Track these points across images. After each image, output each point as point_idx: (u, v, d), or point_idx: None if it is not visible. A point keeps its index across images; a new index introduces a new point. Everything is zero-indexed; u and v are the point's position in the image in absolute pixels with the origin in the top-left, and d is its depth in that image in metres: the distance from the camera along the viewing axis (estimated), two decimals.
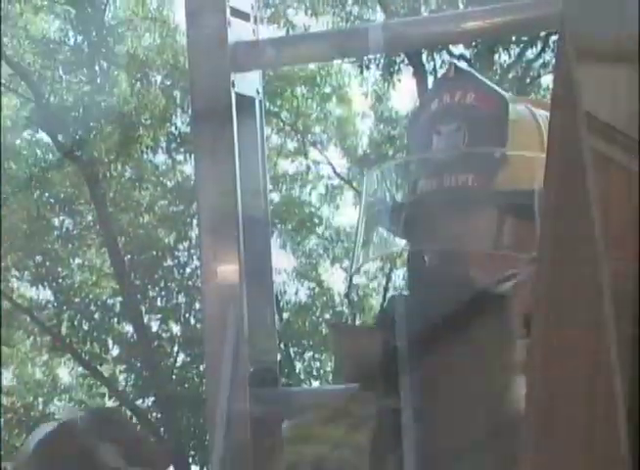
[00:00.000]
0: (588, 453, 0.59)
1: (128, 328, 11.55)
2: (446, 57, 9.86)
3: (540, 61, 9.94)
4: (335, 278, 13.24)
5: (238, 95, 1.11)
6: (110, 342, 11.52)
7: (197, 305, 10.99)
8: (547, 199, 0.64)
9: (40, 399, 12.92)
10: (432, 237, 1.33)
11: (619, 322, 0.60)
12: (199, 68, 1.12)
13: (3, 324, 12.78)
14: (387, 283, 11.83)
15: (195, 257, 11.17)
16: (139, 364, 11.23)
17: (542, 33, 8.95)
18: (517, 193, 1.24)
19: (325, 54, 1.15)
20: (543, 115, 1.35)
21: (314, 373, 11.45)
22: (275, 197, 13.11)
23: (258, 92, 1.15)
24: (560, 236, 0.64)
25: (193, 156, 1.17)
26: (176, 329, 11.45)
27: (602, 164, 0.62)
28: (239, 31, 1.12)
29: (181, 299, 11.36)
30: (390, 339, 1.35)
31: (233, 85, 1.11)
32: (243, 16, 1.12)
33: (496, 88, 1.33)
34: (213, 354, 1.07)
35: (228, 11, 1.09)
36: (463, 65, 1.20)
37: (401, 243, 1.41)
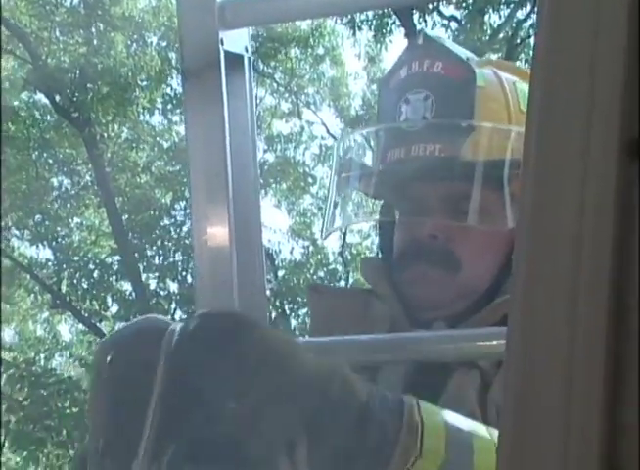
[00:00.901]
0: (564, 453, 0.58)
1: (127, 286, 11.57)
2: (438, 18, 9.79)
3: (530, 21, 9.87)
4: (329, 237, 13.21)
5: (227, 53, 1.08)
6: (109, 299, 11.55)
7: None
8: (525, 176, 0.62)
9: (42, 355, 12.97)
10: (399, 205, 1.33)
11: (595, 316, 0.58)
12: (188, 26, 1.10)
13: (4, 282, 12.79)
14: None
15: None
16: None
17: None
18: (484, 162, 1.24)
19: (313, 11, 1.13)
20: (509, 78, 1.35)
21: (308, 328, 11.49)
22: (270, 157, 13.09)
23: (247, 49, 1.12)
24: (538, 231, 0.62)
25: (184, 113, 1.15)
26: (173, 287, 11.47)
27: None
28: None
29: (178, 257, 11.36)
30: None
31: (222, 43, 1.08)
32: None
33: (464, 57, 1.32)
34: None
35: None
36: (433, 33, 1.19)
37: (375, 214, 1.41)
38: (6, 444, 11.12)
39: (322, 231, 1.38)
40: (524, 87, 1.33)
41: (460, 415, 0.95)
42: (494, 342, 0.99)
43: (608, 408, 0.55)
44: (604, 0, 0.58)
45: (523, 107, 1.31)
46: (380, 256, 1.41)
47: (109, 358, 0.91)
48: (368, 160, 1.34)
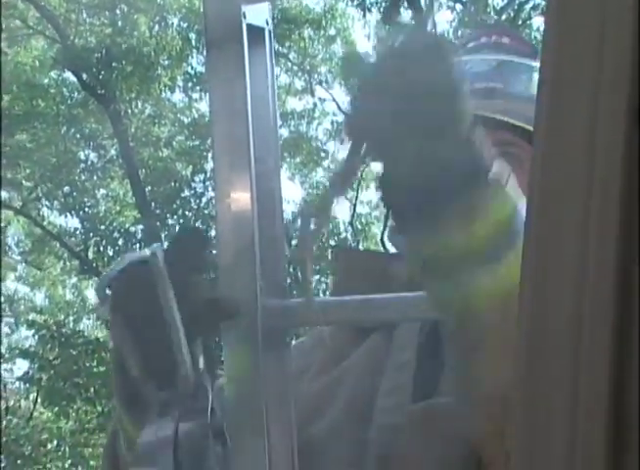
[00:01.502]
0: (570, 453, 0.56)
1: None
2: (443, 0, 9.69)
3: (531, 3, 9.77)
4: (340, 207, 13.19)
5: (249, 26, 1.06)
6: None
7: (212, 233, 10.99)
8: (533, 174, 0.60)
9: (71, 318, 13.03)
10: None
11: (601, 318, 0.56)
12: (211, 0, 1.08)
13: (36, 250, 12.81)
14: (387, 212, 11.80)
15: (210, 188, 11.14)
16: None
17: None
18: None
19: None
20: None
21: (320, 294, 11.50)
22: (284, 132, 13.04)
23: (267, 23, 1.10)
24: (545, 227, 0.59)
25: (207, 88, 1.13)
26: None
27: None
28: None
29: (198, 226, 11.36)
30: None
31: (244, 16, 1.06)
32: None
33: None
34: (227, 272, 1.04)
35: None
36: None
37: None
38: (39, 400, 11.20)
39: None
40: None
41: None
42: None
43: (613, 407, 0.53)
44: (600, 118, 0.56)
45: None
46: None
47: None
48: None
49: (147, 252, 0.97)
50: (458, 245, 0.85)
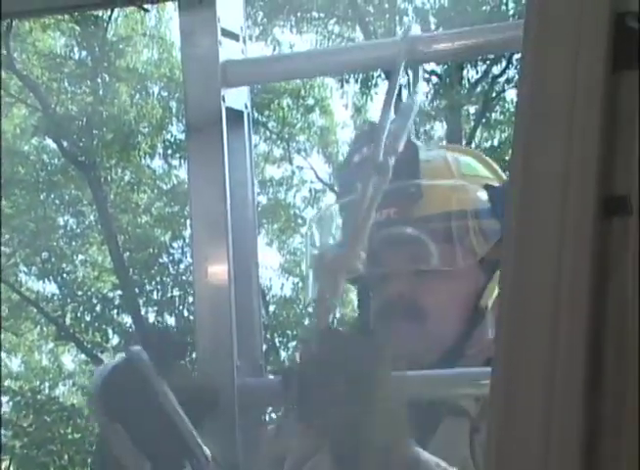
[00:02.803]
0: (545, 443, 0.58)
1: (127, 319, 11.51)
2: (419, 73, 9.84)
3: (505, 77, 9.97)
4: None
5: (228, 109, 1.10)
6: (110, 332, 11.49)
7: (190, 299, 10.97)
8: (511, 198, 0.64)
9: (46, 384, 12.86)
10: (370, 268, 1.35)
11: (575, 319, 0.59)
12: (192, 83, 1.12)
13: (13, 316, 12.72)
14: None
15: (188, 254, 11.14)
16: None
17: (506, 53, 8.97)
18: (433, 217, 1.28)
19: (307, 71, 1.15)
20: (457, 157, 1.39)
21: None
22: (263, 199, 13.10)
23: (247, 106, 1.14)
24: (522, 236, 0.63)
25: (187, 163, 1.17)
26: (171, 320, 11.42)
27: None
28: (229, 50, 1.11)
29: (175, 292, 11.33)
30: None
31: (223, 100, 1.10)
32: (233, 36, 1.12)
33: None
34: (204, 348, 1.06)
35: (219, 32, 1.09)
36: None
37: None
38: (11, 468, 10.99)
39: (308, 297, 1.40)
40: (467, 159, 1.38)
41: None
42: (482, 381, 0.99)
43: (586, 440, 0.55)
44: (580, 77, 0.60)
45: (464, 171, 1.36)
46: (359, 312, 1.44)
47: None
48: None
49: (126, 354, 0.99)
50: None
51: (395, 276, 1.32)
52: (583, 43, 0.63)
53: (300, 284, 12.54)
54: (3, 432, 10.56)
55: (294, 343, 11.47)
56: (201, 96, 1.11)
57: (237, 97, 1.12)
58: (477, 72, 10.21)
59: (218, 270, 1.07)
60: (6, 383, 12.26)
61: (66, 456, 10.12)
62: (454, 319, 1.30)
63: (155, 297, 11.48)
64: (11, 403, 10.80)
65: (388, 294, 1.32)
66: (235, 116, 1.12)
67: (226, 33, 1.10)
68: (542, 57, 0.65)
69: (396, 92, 1.11)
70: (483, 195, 1.31)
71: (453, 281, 1.27)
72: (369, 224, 1.01)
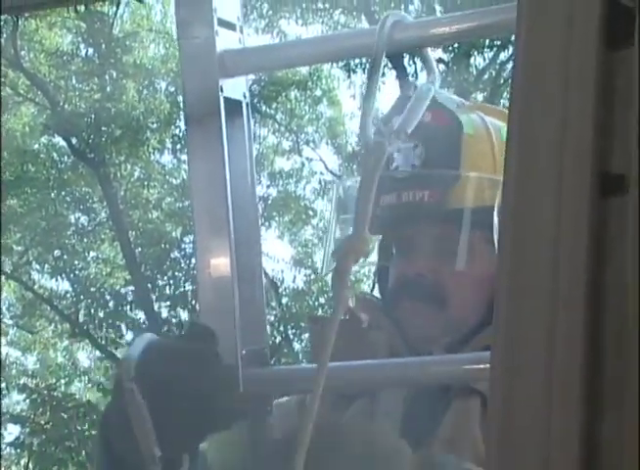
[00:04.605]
0: (545, 446, 0.58)
1: (140, 315, 11.54)
2: (431, 57, 9.81)
3: (512, 63, 9.92)
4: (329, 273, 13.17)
5: (226, 99, 1.10)
6: (123, 328, 11.52)
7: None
8: (505, 198, 0.63)
9: (62, 381, 12.92)
10: (393, 245, 1.34)
11: (572, 312, 0.59)
12: (190, 74, 1.11)
13: (27, 313, 12.76)
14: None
15: None
16: None
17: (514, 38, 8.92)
18: (470, 209, 1.26)
19: (304, 59, 1.14)
20: (495, 124, 1.35)
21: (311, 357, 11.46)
22: (272, 192, 13.10)
23: (245, 96, 1.13)
24: (519, 237, 0.62)
25: (187, 155, 1.16)
26: (184, 315, 11.44)
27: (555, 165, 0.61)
28: (226, 40, 1.11)
29: (188, 287, 11.34)
30: None
31: (222, 90, 1.09)
32: (229, 26, 1.11)
33: (455, 105, 1.34)
34: None
35: (216, 22, 1.08)
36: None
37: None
38: (30, 465, 11.05)
39: (322, 268, 1.39)
40: (504, 126, 1.34)
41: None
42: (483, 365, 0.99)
43: (587, 425, 0.55)
44: (574, 54, 0.59)
45: (503, 138, 1.32)
46: (377, 289, 1.42)
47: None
48: None
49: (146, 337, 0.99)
50: None
51: (418, 257, 1.30)
52: (577, 21, 0.62)
53: (312, 276, 12.54)
54: (20, 429, 10.62)
55: (307, 334, 11.48)
56: (199, 87, 1.10)
57: (235, 87, 1.12)
58: (484, 59, 10.17)
59: (221, 259, 1.07)
60: (22, 381, 12.32)
61: (83, 452, 10.17)
62: (474, 303, 1.28)
63: (167, 292, 11.51)
64: (28, 401, 10.85)
65: (409, 274, 1.31)
66: (233, 105, 1.11)
67: (223, 23, 1.10)
68: (536, 36, 0.64)
69: (381, 77, 1.10)
70: None
71: (474, 265, 1.26)
72: (369, 207, 1.00)
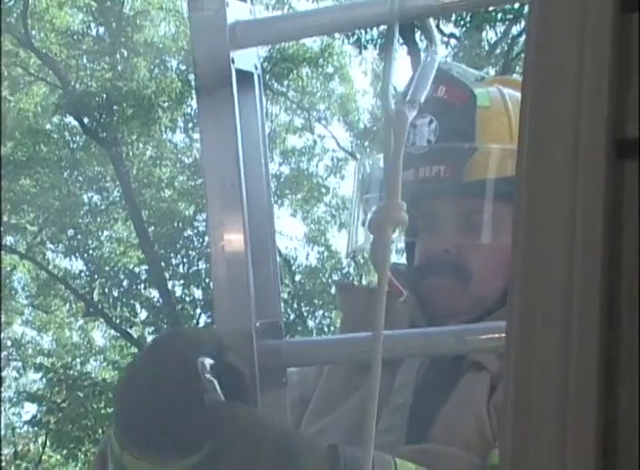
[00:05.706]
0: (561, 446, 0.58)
1: (154, 293, 11.59)
2: (438, 36, 9.76)
3: (524, 36, 9.85)
4: (342, 242, 13.24)
5: (238, 70, 1.09)
6: (138, 306, 11.57)
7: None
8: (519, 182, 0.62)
9: (78, 360, 13.00)
10: (418, 221, 1.33)
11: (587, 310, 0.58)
12: (200, 46, 1.10)
13: (42, 293, 12.82)
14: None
15: None
16: (165, 326, 11.28)
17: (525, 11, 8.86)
18: (488, 181, 1.24)
19: (315, 30, 1.13)
20: (512, 95, 1.34)
21: (325, 329, 11.49)
22: (285, 170, 13.10)
23: (256, 67, 1.12)
24: (533, 205, 0.62)
25: (198, 127, 1.15)
26: (198, 293, 11.48)
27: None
28: (236, 12, 1.09)
29: (201, 265, 11.38)
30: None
31: (233, 61, 1.08)
32: None
33: (472, 78, 1.32)
34: (223, 315, 1.05)
35: None
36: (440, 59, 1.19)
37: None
38: (47, 443, 11.15)
39: (348, 247, 1.38)
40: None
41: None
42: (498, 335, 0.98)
43: (602, 403, 0.55)
44: (589, 19, 0.59)
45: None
46: (405, 264, 1.41)
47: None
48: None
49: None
50: None
51: (443, 233, 1.29)
52: None
53: (325, 253, 12.55)
54: (37, 408, 10.70)
55: (320, 312, 11.49)
56: (210, 59, 1.09)
57: (246, 58, 1.10)
58: (495, 34, 10.11)
59: (234, 233, 1.06)
60: (38, 360, 12.40)
61: (99, 430, 10.24)
62: (497, 278, 1.28)
63: (181, 270, 11.54)
64: (44, 380, 10.92)
65: (436, 251, 1.30)
66: (245, 77, 1.10)
67: None
68: (550, 1, 0.63)
69: (396, 49, 1.08)
70: None
71: (499, 238, 1.25)
72: (399, 175, 0.98)
